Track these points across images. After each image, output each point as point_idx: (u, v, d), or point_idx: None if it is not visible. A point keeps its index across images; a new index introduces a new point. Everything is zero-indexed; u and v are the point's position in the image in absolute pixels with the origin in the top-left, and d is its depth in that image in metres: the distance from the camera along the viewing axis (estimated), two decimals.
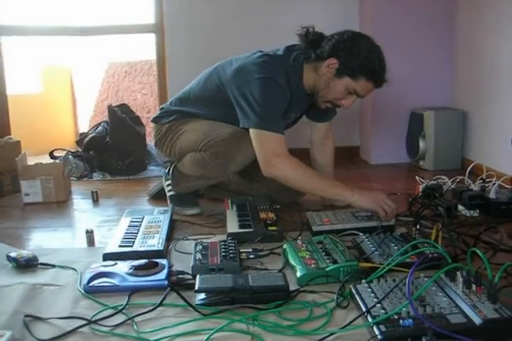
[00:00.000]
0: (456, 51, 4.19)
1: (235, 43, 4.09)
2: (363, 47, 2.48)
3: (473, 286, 1.64)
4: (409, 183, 3.51)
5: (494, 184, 2.90)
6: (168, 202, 3.00)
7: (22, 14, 5.39)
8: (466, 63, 4.06)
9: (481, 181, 3.03)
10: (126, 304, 1.78)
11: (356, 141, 4.65)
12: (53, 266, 2.16)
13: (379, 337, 1.46)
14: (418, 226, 2.30)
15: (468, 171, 3.15)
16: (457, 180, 3.21)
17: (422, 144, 4.08)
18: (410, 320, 1.48)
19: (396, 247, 2.14)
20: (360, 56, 2.46)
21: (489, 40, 3.69)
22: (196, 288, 1.78)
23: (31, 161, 3.43)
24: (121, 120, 4.14)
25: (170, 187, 2.99)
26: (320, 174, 2.56)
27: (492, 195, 2.80)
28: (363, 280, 1.79)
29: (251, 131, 2.49)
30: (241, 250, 2.21)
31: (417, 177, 3.37)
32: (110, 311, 1.75)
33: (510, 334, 1.50)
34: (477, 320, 1.48)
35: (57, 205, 3.24)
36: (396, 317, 1.52)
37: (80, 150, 4.22)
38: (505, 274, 1.92)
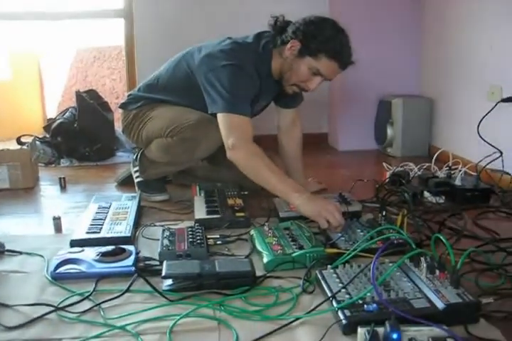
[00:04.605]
0: (424, 39, 4.22)
1: (204, 29, 4.08)
2: (325, 28, 2.47)
3: (437, 272, 1.68)
4: (377, 170, 3.54)
5: (460, 171, 2.94)
6: (136, 188, 3.00)
7: None
8: (434, 51, 4.09)
9: (447, 168, 3.07)
10: (93, 290, 1.78)
11: (324, 127, 4.68)
12: (20, 252, 2.15)
13: (343, 321, 1.48)
14: (384, 213, 2.33)
15: (434, 158, 3.19)
16: (424, 167, 3.26)
17: (389, 131, 4.12)
18: (374, 305, 1.50)
19: (362, 233, 2.17)
20: (320, 36, 2.44)
21: (457, 29, 3.72)
22: (163, 274, 1.78)
23: None
24: (89, 106, 4.12)
25: (138, 174, 2.99)
26: (276, 168, 2.38)
27: (458, 182, 2.84)
28: (329, 266, 1.81)
29: (218, 115, 2.47)
30: (208, 236, 2.23)
31: (384, 163, 3.40)
32: (77, 298, 1.75)
33: (472, 318, 1.53)
34: (440, 305, 1.51)
35: (24, 192, 3.22)
36: (361, 302, 1.54)
37: (47, 136, 4.18)
38: (468, 260, 1.96)
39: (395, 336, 1.32)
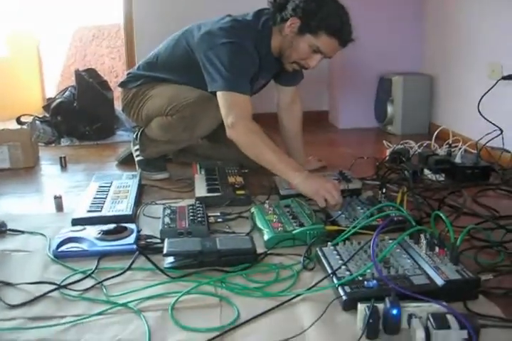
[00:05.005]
0: (425, 17, 4.19)
1: (203, 6, 4.05)
2: (325, 5, 2.43)
3: (436, 248, 1.68)
4: (377, 147, 3.54)
5: (460, 149, 2.94)
6: (137, 166, 3.00)
7: None
8: (435, 29, 4.07)
9: (447, 146, 3.06)
10: (96, 268, 1.79)
11: (325, 105, 4.67)
12: (22, 232, 2.16)
13: (343, 297, 1.49)
14: (384, 190, 2.33)
15: (434, 136, 3.18)
16: (424, 145, 3.26)
17: (390, 109, 4.11)
18: (374, 281, 1.51)
19: (362, 210, 2.18)
20: (320, 13, 2.41)
21: (457, 6, 3.70)
22: (164, 251, 1.79)
23: None
24: (88, 85, 4.11)
25: (138, 152, 2.99)
26: (276, 147, 2.36)
27: (457, 160, 2.84)
28: (329, 243, 1.82)
29: (218, 93, 2.46)
30: (209, 214, 2.24)
31: (384, 141, 3.40)
32: (79, 276, 1.76)
33: (471, 295, 1.54)
34: (439, 281, 1.52)
35: (25, 171, 3.22)
36: (361, 278, 1.55)
37: (47, 115, 4.17)
38: (468, 237, 1.97)
39: (394, 312, 1.33)
